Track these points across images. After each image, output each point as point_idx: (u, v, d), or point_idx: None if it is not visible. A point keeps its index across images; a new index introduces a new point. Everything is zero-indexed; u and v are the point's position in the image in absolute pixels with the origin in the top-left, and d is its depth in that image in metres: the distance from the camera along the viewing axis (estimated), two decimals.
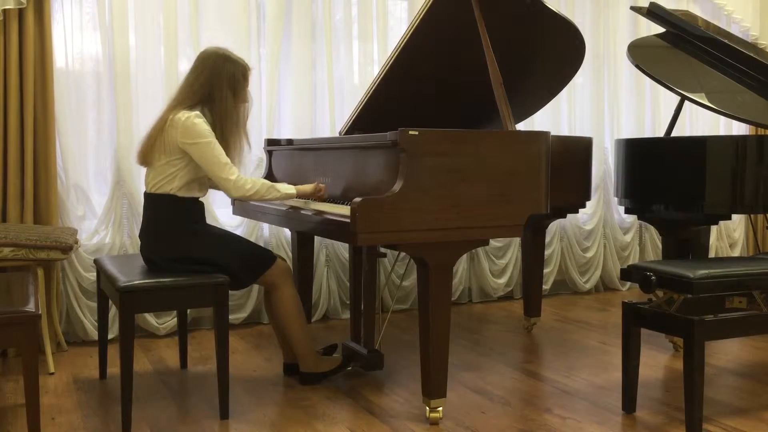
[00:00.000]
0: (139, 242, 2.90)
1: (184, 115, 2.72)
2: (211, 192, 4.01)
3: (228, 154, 2.78)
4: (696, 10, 5.23)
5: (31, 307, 2.30)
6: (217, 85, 2.79)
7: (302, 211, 2.94)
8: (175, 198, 2.78)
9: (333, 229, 2.65)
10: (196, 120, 2.71)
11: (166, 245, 2.78)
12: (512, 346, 3.77)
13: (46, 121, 3.59)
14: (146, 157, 2.82)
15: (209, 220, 3.25)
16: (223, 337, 2.71)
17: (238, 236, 3.06)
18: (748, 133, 5.40)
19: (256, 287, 4.11)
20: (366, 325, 3.20)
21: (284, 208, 3.12)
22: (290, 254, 3.94)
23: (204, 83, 2.80)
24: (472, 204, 2.58)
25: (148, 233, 2.85)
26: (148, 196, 2.85)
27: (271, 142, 3.67)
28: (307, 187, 2.95)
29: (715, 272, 2.56)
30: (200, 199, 2.89)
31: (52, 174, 3.61)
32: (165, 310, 3.61)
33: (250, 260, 2.87)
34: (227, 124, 2.80)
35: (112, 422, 2.68)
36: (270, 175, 3.66)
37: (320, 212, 2.79)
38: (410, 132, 2.48)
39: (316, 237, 3.90)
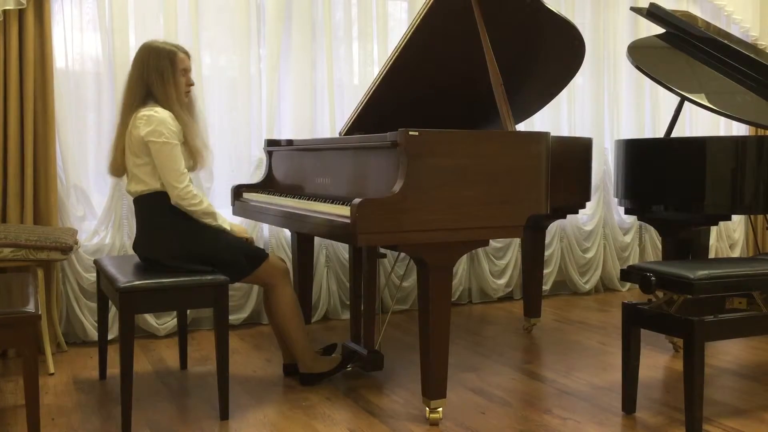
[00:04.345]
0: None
1: (144, 112, 2.73)
2: (211, 192, 4.03)
3: (187, 144, 2.78)
4: (696, 11, 5.23)
5: (31, 307, 2.30)
6: (150, 80, 2.79)
7: (302, 212, 2.93)
8: (160, 194, 2.78)
9: (333, 229, 2.65)
10: (158, 116, 2.70)
11: (162, 243, 2.78)
12: (512, 347, 3.77)
13: (46, 122, 3.59)
14: (118, 165, 2.86)
15: None
16: (223, 337, 2.71)
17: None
18: (748, 134, 5.40)
19: (255, 288, 4.11)
20: (366, 326, 3.20)
21: (284, 209, 3.11)
22: (290, 255, 3.94)
23: (138, 81, 2.80)
24: (472, 204, 2.58)
25: (142, 235, 2.87)
26: (136, 201, 2.86)
27: (270, 143, 3.66)
28: (241, 228, 2.98)
29: (715, 273, 2.56)
30: None
31: (52, 174, 3.61)
32: (165, 310, 3.61)
33: (247, 251, 2.87)
34: (175, 111, 2.78)
35: (112, 422, 2.68)
36: (270, 176, 3.66)
37: (320, 213, 2.79)
38: (410, 132, 2.48)
39: (316, 238, 3.89)
